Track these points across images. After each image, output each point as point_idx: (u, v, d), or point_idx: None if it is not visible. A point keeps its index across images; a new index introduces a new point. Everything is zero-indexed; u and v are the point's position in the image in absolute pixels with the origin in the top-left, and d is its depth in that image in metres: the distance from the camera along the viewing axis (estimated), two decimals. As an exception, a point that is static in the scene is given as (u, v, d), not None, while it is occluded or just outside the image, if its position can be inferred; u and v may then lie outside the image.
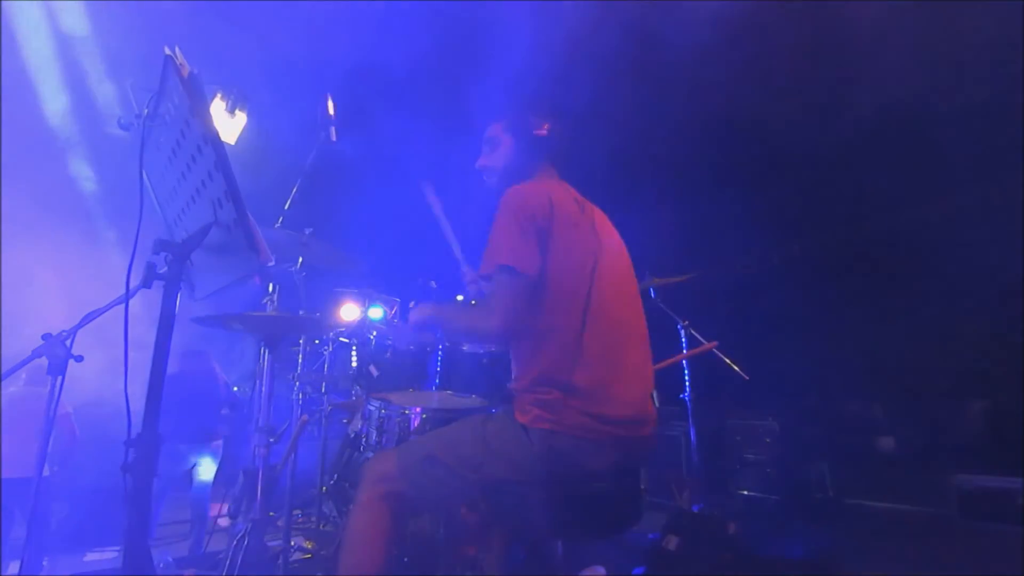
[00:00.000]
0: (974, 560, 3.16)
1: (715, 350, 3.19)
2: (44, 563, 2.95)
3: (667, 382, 3.95)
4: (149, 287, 1.14)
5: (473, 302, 2.59)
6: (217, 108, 2.48)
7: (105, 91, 4.09)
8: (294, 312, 2.51)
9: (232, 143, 2.53)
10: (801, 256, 5.48)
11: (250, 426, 2.49)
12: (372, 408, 2.23)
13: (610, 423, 1.32)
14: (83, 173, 4.43)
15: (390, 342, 2.83)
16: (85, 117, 4.23)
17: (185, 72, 1.08)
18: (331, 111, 2.55)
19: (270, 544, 2.17)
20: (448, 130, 3.96)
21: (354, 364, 3.51)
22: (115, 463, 1.05)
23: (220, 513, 2.84)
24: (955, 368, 4.38)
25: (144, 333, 1.13)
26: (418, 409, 2.05)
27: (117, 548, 3.36)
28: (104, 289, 1.42)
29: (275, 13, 3.84)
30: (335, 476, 2.45)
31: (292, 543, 2.44)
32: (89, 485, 3.38)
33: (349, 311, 3.47)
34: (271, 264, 1.07)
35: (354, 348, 3.49)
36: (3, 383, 1.50)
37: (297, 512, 3.55)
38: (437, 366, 2.63)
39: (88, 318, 1.50)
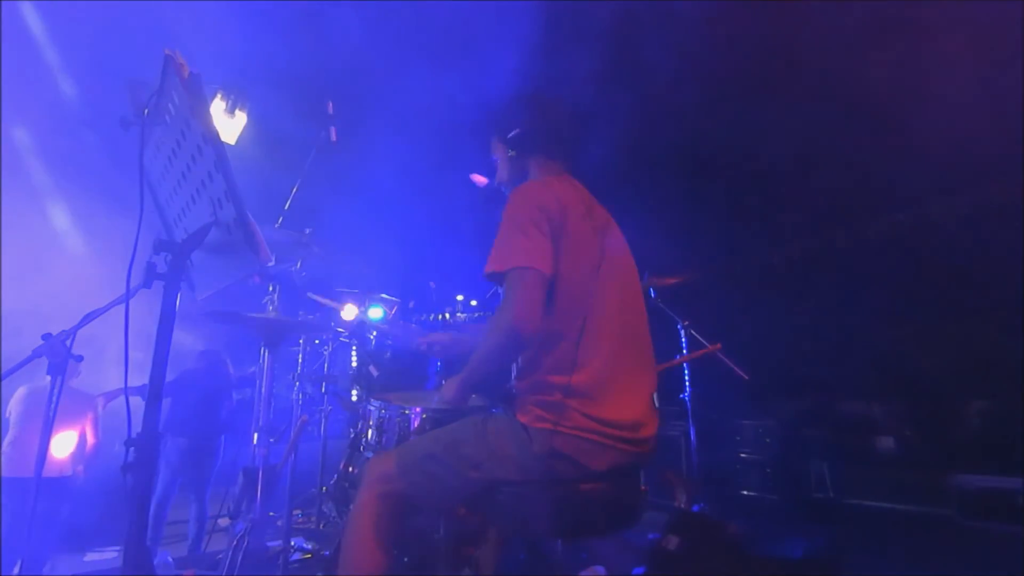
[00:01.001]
0: (974, 560, 3.16)
1: (718, 352, 3.19)
2: (44, 564, 2.96)
3: (667, 382, 3.95)
4: (149, 287, 1.14)
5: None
6: (217, 108, 2.48)
7: (105, 91, 4.09)
8: (294, 312, 2.51)
9: (232, 143, 2.53)
10: (801, 256, 5.48)
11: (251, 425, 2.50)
12: (372, 408, 2.23)
13: (611, 425, 1.32)
14: (83, 173, 4.43)
15: (390, 342, 2.83)
16: (86, 117, 4.23)
17: (185, 72, 1.08)
18: (331, 111, 2.55)
19: (270, 544, 2.17)
20: (450, 129, 3.96)
21: (354, 364, 3.52)
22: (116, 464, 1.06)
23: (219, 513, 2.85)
24: (955, 368, 4.38)
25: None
26: (418, 409, 2.05)
27: (117, 548, 3.36)
28: (104, 289, 1.41)
29: (275, 13, 3.84)
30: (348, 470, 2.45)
31: (292, 543, 2.44)
32: (89, 485, 3.39)
33: (349, 311, 3.47)
34: (271, 264, 1.07)
35: (354, 348, 3.49)
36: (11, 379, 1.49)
37: (297, 512, 3.56)
38: (437, 366, 2.63)
39: (88, 318, 1.50)
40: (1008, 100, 3.67)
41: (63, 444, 2.96)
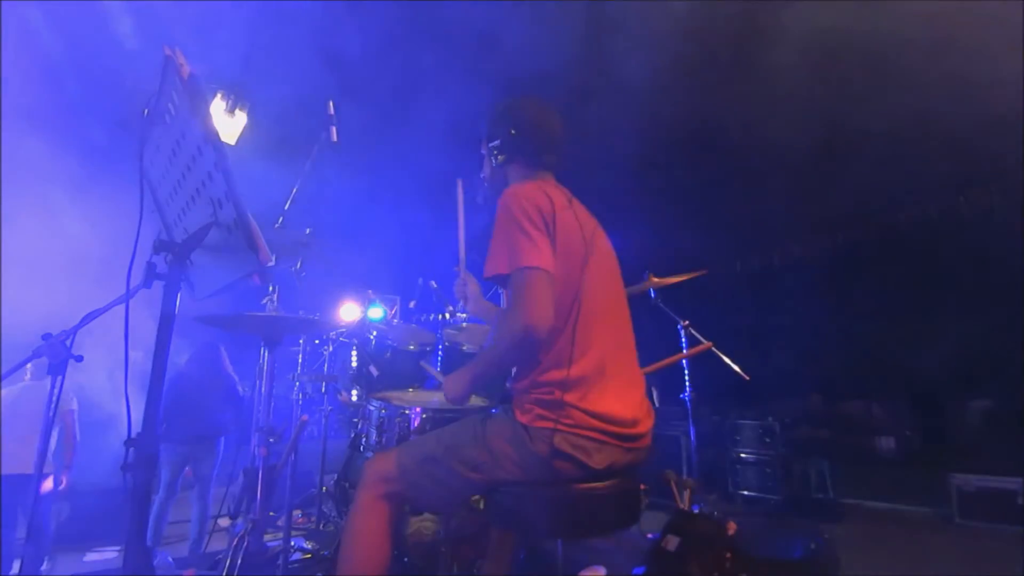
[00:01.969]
0: (974, 560, 3.16)
1: (715, 350, 3.18)
2: (44, 564, 2.95)
3: (667, 382, 3.96)
4: (149, 287, 1.14)
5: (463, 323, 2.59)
6: (217, 108, 2.48)
7: (105, 91, 4.09)
8: (294, 312, 2.51)
9: (232, 143, 2.54)
10: (802, 256, 5.48)
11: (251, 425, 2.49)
12: (372, 408, 2.23)
13: (609, 420, 1.32)
14: (83, 173, 4.43)
15: (390, 342, 2.83)
16: (85, 117, 4.23)
17: (185, 72, 1.08)
18: (331, 111, 2.55)
19: (270, 544, 2.17)
20: (450, 130, 3.96)
21: (354, 364, 3.52)
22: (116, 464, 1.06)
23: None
24: (955, 368, 4.38)
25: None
26: (418, 409, 2.05)
27: (117, 548, 3.36)
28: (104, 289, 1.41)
29: (276, 12, 3.84)
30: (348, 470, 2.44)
31: (292, 543, 2.44)
32: (89, 485, 3.39)
33: (349, 311, 3.47)
34: (271, 264, 1.07)
35: (354, 348, 3.50)
36: (4, 381, 1.49)
37: (297, 512, 3.56)
38: (437, 366, 2.63)
39: (88, 318, 1.50)
40: (1008, 100, 3.67)
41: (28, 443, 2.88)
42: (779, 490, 4.23)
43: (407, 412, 2.06)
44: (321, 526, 3.25)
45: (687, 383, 3.36)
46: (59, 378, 1.47)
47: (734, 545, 2.02)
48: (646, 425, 1.42)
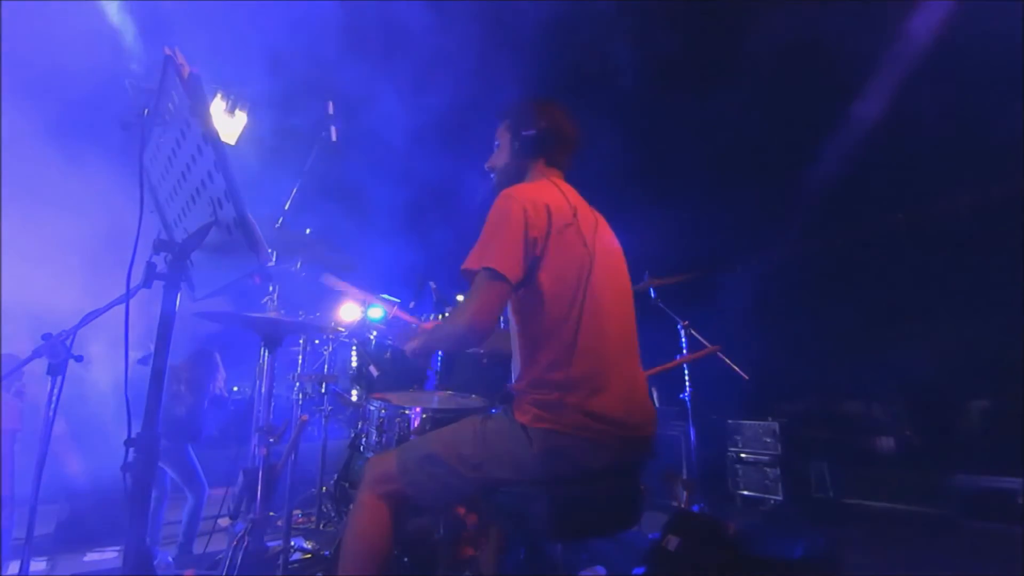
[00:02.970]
0: (974, 560, 3.16)
1: (718, 353, 3.19)
2: (44, 563, 2.95)
3: (667, 382, 3.97)
4: (149, 287, 1.14)
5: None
6: (217, 108, 2.48)
7: (105, 91, 4.09)
8: (294, 312, 2.51)
9: (232, 143, 2.54)
10: (801, 256, 5.48)
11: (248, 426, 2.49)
12: (372, 408, 2.23)
13: (609, 423, 1.32)
14: (83, 173, 4.43)
15: (390, 342, 2.83)
16: (86, 117, 4.23)
17: (185, 72, 1.08)
18: (331, 111, 2.55)
19: (270, 544, 2.17)
20: (450, 130, 3.96)
21: (354, 364, 3.51)
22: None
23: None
24: (955, 368, 4.38)
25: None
26: (418, 409, 2.05)
27: (117, 548, 3.36)
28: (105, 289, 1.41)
29: (275, 12, 3.84)
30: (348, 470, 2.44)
31: (292, 543, 2.44)
32: (89, 485, 3.39)
33: (349, 311, 3.46)
34: (271, 264, 1.07)
35: (354, 348, 3.49)
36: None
37: (297, 512, 3.55)
38: (437, 366, 2.63)
39: (88, 318, 1.50)
40: (1008, 99, 3.67)
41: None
42: (779, 490, 4.23)
43: (407, 412, 2.06)
44: (321, 526, 3.25)
45: (687, 383, 3.36)
46: (59, 378, 1.47)
47: (734, 545, 2.02)
48: (648, 427, 1.42)
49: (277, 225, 2.65)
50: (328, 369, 3.64)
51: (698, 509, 3.26)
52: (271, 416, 1.99)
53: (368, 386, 2.61)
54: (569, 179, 1.69)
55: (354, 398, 2.93)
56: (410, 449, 1.48)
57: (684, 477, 4.14)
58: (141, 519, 1.05)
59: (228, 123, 2.51)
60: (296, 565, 2.53)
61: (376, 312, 3.27)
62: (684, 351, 3.33)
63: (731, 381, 3.26)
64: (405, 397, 2.33)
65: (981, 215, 4.32)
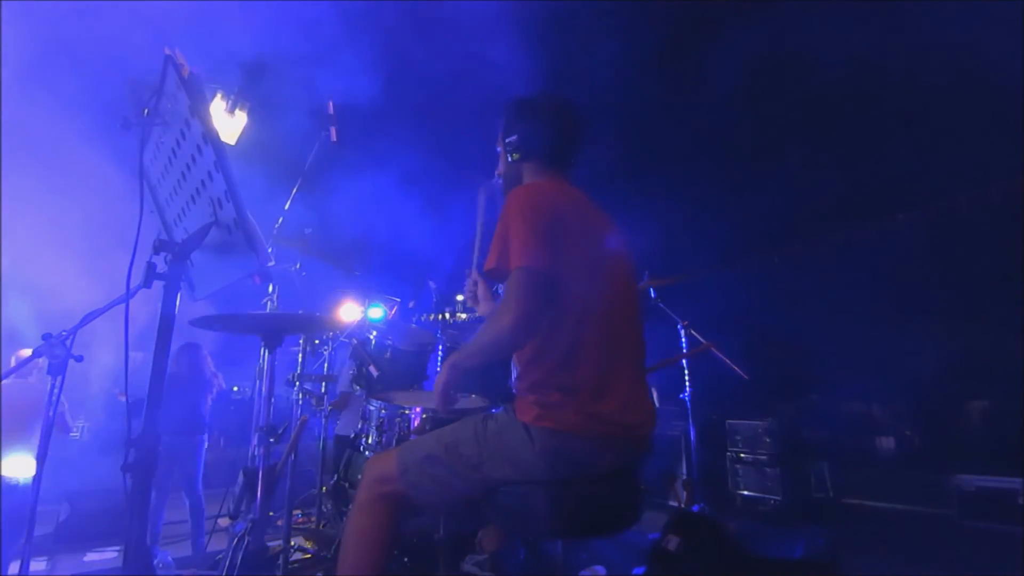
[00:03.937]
0: (974, 560, 3.16)
1: (714, 350, 3.18)
2: (44, 563, 2.96)
3: (667, 382, 3.96)
4: (149, 287, 1.14)
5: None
6: (217, 108, 2.48)
7: (106, 91, 4.09)
8: (294, 311, 2.51)
9: (232, 143, 2.54)
10: (801, 256, 5.48)
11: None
12: (372, 408, 2.23)
13: (611, 423, 1.32)
14: (84, 173, 4.43)
15: (390, 342, 2.83)
16: (85, 117, 4.23)
17: (185, 72, 1.08)
18: (331, 111, 2.55)
19: (270, 544, 2.17)
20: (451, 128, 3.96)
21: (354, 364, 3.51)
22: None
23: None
24: (955, 368, 4.38)
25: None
26: (418, 409, 2.05)
27: (117, 548, 3.36)
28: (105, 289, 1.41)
29: (274, 11, 3.83)
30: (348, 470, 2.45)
31: (292, 543, 2.44)
32: (89, 485, 3.39)
33: (349, 311, 3.46)
34: (271, 264, 1.07)
35: (353, 348, 3.49)
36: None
37: (297, 512, 3.55)
38: (437, 366, 2.63)
39: (88, 318, 1.50)
40: (1008, 99, 3.67)
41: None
42: (779, 490, 4.23)
43: (407, 412, 2.06)
44: (321, 526, 3.25)
45: (687, 383, 3.36)
46: (59, 378, 1.47)
47: (734, 545, 2.02)
48: (649, 426, 1.42)
49: (277, 225, 2.66)
50: (328, 369, 3.64)
51: (698, 509, 3.26)
52: (271, 416, 1.99)
53: (368, 386, 2.61)
54: (572, 177, 1.68)
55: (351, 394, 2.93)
56: (410, 449, 1.48)
57: (684, 477, 4.14)
58: (141, 519, 1.05)
59: (228, 123, 2.51)
60: (296, 565, 2.53)
61: (376, 312, 3.28)
62: (684, 351, 3.33)
63: (731, 381, 3.26)
64: (405, 397, 2.33)
65: (981, 214, 4.32)
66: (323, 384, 3.40)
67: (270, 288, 2.36)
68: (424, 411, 2.06)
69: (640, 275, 3.21)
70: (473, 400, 2.25)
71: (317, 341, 3.74)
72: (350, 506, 1.50)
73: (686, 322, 3.34)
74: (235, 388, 3.81)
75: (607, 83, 4.23)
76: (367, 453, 2.26)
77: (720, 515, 3.09)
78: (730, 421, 4.65)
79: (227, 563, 1.81)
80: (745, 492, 4.40)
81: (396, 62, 4.18)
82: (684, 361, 3.34)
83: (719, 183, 5.01)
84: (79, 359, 1.54)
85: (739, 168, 4.97)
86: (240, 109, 2.52)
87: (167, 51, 1.10)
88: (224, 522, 3.48)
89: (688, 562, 1.94)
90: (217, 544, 3.33)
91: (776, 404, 4.61)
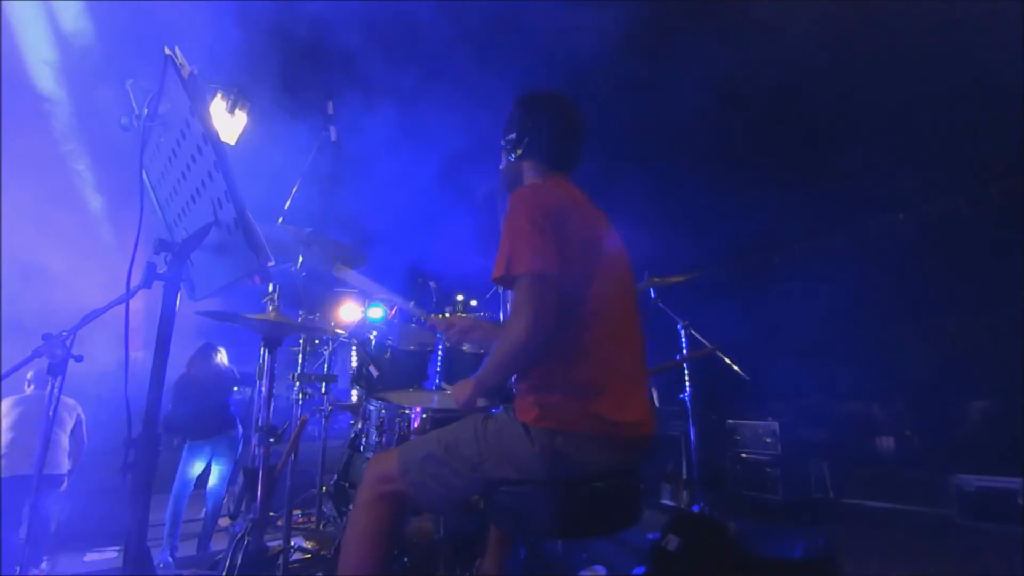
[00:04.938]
0: (974, 560, 3.16)
1: (719, 352, 3.18)
2: (43, 563, 2.97)
3: (667, 382, 3.96)
4: (149, 287, 1.14)
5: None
6: (217, 108, 2.48)
7: (106, 91, 4.09)
8: (294, 312, 2.51)
9: (232, 143, 2.53)
10: (800, 256, 5.48)
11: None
12: (372, 408, 2.23)
13: (611, 423, 1.32)
14: (84, 172, 4.43)
15: (390, 342, 2.83)
16: (85, 117, 4.23)
17: (185, 72, 1.08)
18: (331, 111, 2.55)
19: (270, 544, 2.17)
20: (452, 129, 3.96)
21: (354, 364, 3.51)
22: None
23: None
24: (955, 368, 4.38)
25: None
26: (418, 409, 2.05)
27: (117, 548, 3.37)
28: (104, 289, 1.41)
29: (274, 11, 3.84)
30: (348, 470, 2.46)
31: (292, 543, 2.44)
32: (89, 485, 3.39)
33: (349, 311, 3.47)
34: (271, 264, 1.07)
35: (354, 348, 3.49)
36: (4, 383, 1.49)
37: (297, 512, 3.56)
38: (437, 366, 2.62)
39: (88, 318, 1.50)
40: (1009, 99, 3.67)
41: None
42: (779, 490, 4.23)
43: (407, 412, 2.06)
44: (321, 526, 3.25)
45: (687, 383, 3.36)
46: (59, 378, 1.47)
47: (734, 545, 2.02)
48: (648, 427, 1.42)
49: (277, 225, 2.65)
50: (328, 369, 3.65)
51: (698, 509, 3.26)
52: (271, 416, 1.99)
53: (368, 386, 2.61)
54: (573, 176, 1.67)
55: (354, 399, 2.93)
56: (410, 449, 1.48)
57: (684, 477, 4.14)
58: (141, 519, 1.05)
59: (228, 123, 2.51)
60: (296, 565, 2.53)
61: (376, 312, 3.28)
62: (684, 351, 3.33)
63: (731, 381, 3.26)
64: (405, 397, 2.33)
65: (981, 214, 4.32)
66: (323, 384, 3.40)
67: (270, 288, 2.35)
68: (424, 411, 2.06)
69: (641, 275, 3.21)
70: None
71: (317, 341, 3.74)
72: (350, 506, 1.50)
73: (686, 322, 3.34)
74: (235, 388, 3.82)
75: (610, 79, 4.23)
76: (367, 453, 2.25)
77: (720, 515, 3.09)
78: (730, 421, 4.65)
79: (227, 563, 1.81)
80: (745, 492, 4.40)
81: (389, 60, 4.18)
82: (682, 363, 3.34)
83: (719, 183, 5.01)
84: (79, 359, 1.54)
85: (739, 168, 4.97)
86: (240, 109, 2.52)
87: (167, 51, 1.10)
88: (224, 522, 3.49)
89: (688, 562, 1.94)
90: (217, 544, 3.33)
91: (776, 404, 4.61)
